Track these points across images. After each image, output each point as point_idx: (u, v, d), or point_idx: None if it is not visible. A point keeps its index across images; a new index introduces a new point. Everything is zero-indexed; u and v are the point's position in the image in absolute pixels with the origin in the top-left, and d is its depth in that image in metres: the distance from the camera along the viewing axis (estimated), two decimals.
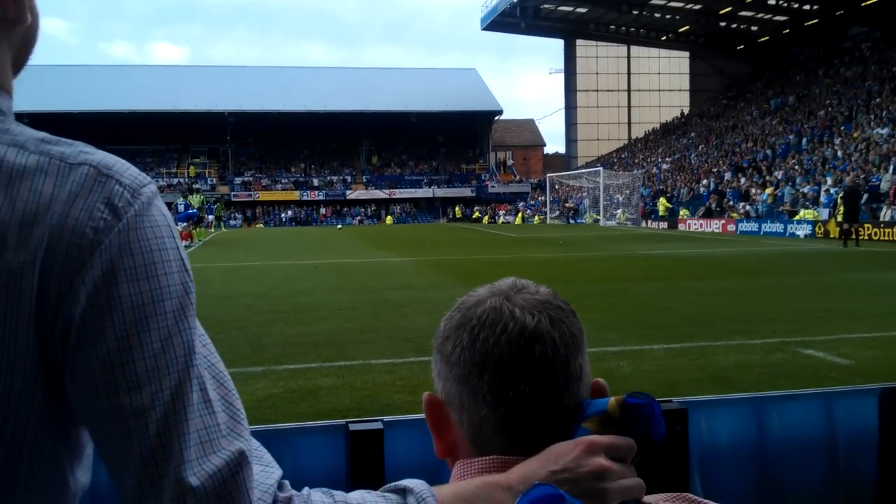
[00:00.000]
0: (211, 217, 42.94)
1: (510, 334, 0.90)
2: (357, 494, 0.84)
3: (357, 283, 13.92)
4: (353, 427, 1.88)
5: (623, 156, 62.73)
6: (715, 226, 35.00)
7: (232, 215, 60.85)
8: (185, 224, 27.84)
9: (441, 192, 65.96)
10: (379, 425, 1.88)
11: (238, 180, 64.89)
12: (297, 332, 8.69)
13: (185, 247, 25.77)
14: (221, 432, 0.78)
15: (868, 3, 46.65)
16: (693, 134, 55.98)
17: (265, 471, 0.81)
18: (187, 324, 0.78)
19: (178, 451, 0.75)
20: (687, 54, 66.81)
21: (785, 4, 51.46)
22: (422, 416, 1.00)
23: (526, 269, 16.76)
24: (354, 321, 9.44)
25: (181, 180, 62.69)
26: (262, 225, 60.17)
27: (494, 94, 70.50)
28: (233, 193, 62.86)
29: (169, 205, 36.01)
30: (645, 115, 71.63)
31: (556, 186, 57.53)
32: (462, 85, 69.99)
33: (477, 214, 60.53)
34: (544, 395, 0.90)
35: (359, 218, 62.69)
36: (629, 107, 73.02)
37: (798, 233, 29.06)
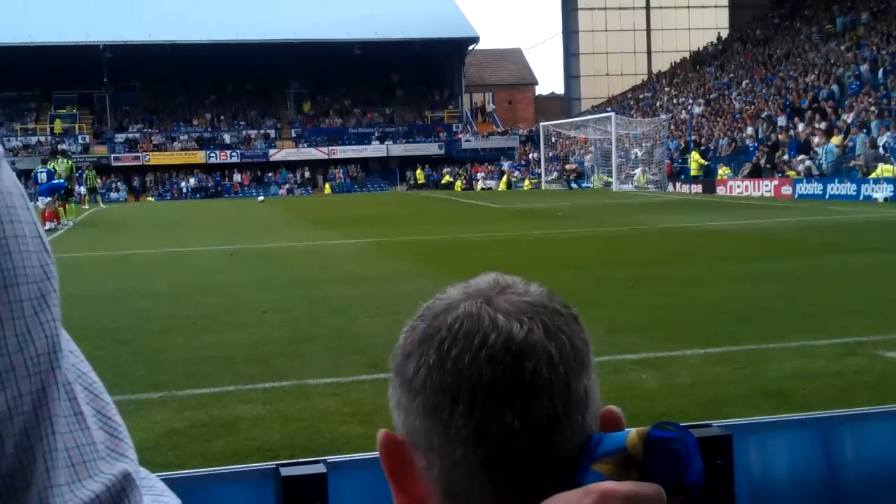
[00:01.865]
0: (82, 189, 42.43)
1: (492, 349, 0.90)
2: None
3: (287, 275, 13.86)
4: (285, 472, 1.87)
5: (642, 97, 63.03)
6: (765, 188, 35.37)
7: (113, 186, 60.16)
8: (48, 199, 27.46)
9: (398, 150, 65.86)
10: (321, 468, 1.88)
11: (120, 138, 64.18)
12: (206, 344, 8.65)
13: (50, 230, 25.59)
14: (98, 452, 0.80)
15: None
16: (734, 66, 56.39)
17: (158, 500, 0.83)
18: (49, 315, 0.78)
19: (42, 472, 0.75)
20: None
21: None
22: (378, 454, 1.00)
23: (513, 251, 16.80)
24: (284, 327, 9.42)
25: (41, 139, 61.79)
26: (152, 199, 59.60)
27: (468, 15, 70.41)
28: (113, 156, 62.21)
29: (27, 173, 35.51)
30: (670, 41, 72.00)
31: (553, 139, 57.68)
32: (424, 5, 69.74)
33: (447, 179, 60.58)
34: (539, 430, 0.90)
35: (287, 186, 62.38)
36: (648, 30, 73.32)
37: (875, 195, 29.47)
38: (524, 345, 0.90)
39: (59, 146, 52.17)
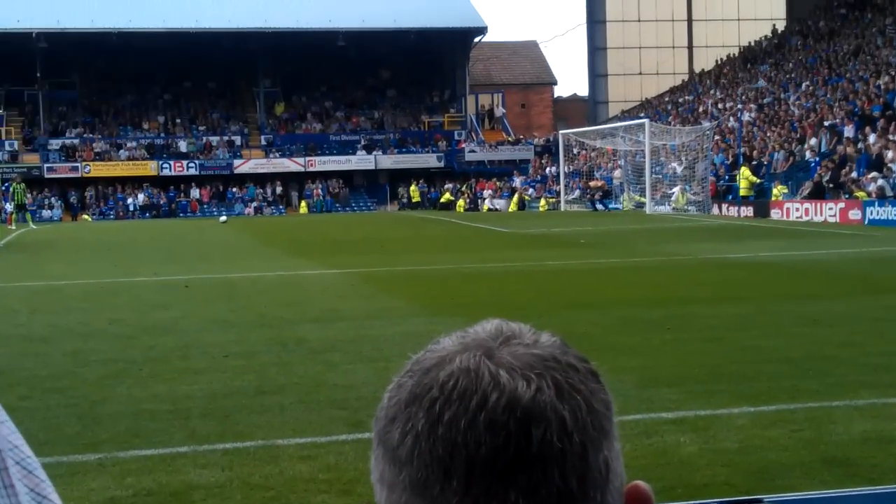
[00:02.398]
0: (9, 206, 42.43)
1: (492, 412, 0.90)
2: None
3: (253, 312, 13.85)
4: None
5: (682, 100, 63.19)
6: (829, 211, 35.35)
7: (45, 202, 60.08)
8: None
9: (388, 162, 65.88)
10: None
11: (55, 144, 64.13)
12: (154, 396, 8.62)
13: None
14: None
15: None
16: (792, 64, 56.57)
17: None
18: None
19: None
20: None
21: None
22: None
23: (525, 285, 16.81)
24: (249, 375, 9.41)
25: None
26: (88, 217, 59.28)
27: (474, 1, 70.57)
28: (47, 166, 62.12)
29: None
30: (716, 34, 72.28)
31: (575, 150, 57.74)
32: None
33: (447, 197, 60.56)
34: None
35: (255, 204, 62.32)
36: (689, 20, 73.61)
37: None
38: (531, 407, 0.90)
39: None
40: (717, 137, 49.08)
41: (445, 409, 0.91)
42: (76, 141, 64.66)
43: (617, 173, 52.32)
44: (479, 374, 0.92)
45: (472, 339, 0.97)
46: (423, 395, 0.93)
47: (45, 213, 58.49)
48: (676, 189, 46.16)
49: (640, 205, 46.94)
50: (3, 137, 63.76)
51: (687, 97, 63.41)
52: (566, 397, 0.92)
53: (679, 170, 47.35)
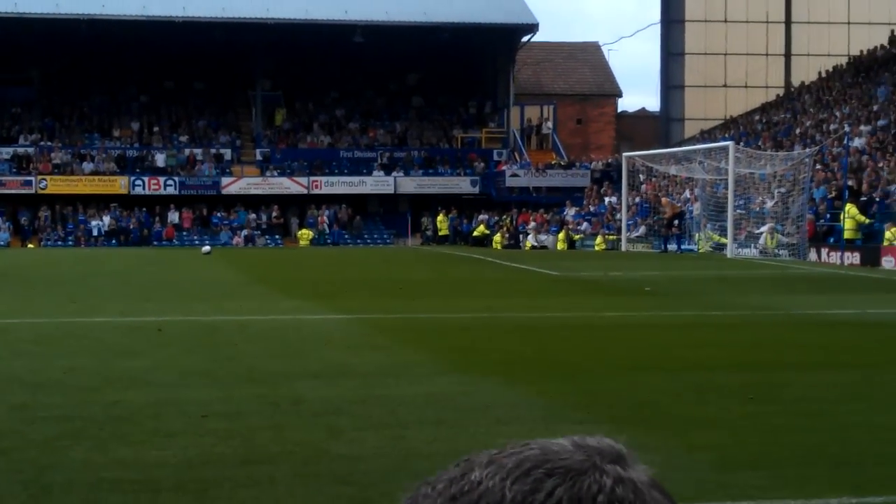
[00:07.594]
0: None
1: None
2: None
3: (240, 364, 13.85)
4: None
5: (776, 119, 63.01)
6: None
7: None
8: None
9: (411, 185, 65.74)
10: None
11: (5, 153, 64.35)
12: (117, 461, 8.63)
13: None
14: None
15: None
16: None
17: None
18: None
19: None
20: None
21: None
22: None
23: (577, 341, 16.71)
24: (234, 440, 9.41)
25: None
26: (32, 245, 58.72)
27: None
28: None
29: None
30: (820, 40, 72.12)
31: (643, 177, 57.63)
32: None
33: (482, 230, 60.44)
34: None
35: (245, 233, 62.21)
36: (788, 22, 73.50)
37: None
38: None
39: None
40: (817, 167, 48.78)
41: None
42: (31, 150, 64.66)
43: (696, 207, 52.05)
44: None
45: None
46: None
47: None
48: (765, 228, 45.90)
49: (720, 246, 46.72)
50: None
51: (782, 115, 63.19)
52: None
53: (769, 205, 47.13)
